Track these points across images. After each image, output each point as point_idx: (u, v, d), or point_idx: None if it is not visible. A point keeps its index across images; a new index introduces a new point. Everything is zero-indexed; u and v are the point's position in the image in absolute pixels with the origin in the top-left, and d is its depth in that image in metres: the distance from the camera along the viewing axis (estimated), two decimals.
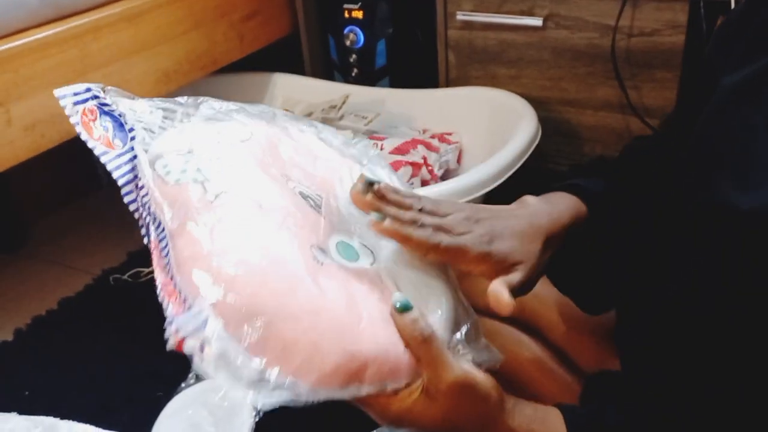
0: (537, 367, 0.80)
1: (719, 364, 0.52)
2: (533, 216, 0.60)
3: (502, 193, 1.22)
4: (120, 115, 0.56)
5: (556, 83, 1.40)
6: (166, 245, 0.51)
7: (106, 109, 0.56)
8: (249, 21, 1.51)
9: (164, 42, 1.29)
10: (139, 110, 0.57)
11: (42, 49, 1.09)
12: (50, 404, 1.10)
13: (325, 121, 1.50)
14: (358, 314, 0.49)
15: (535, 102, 1.37)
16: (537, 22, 1.34)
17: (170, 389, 1.08)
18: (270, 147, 0.57)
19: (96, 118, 0.55)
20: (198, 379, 1.17)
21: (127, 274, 1.39)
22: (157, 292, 0.51)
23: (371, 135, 1.44)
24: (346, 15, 1.53)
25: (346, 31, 1.54)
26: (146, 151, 0.55)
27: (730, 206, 0.48)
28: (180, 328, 0.48)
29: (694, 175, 0.57)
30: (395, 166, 1.29)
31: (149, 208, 0.53)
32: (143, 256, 1.44)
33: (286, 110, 1.56)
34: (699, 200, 0.54)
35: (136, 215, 0.54)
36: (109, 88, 0.57)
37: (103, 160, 0.54)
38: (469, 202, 1.15)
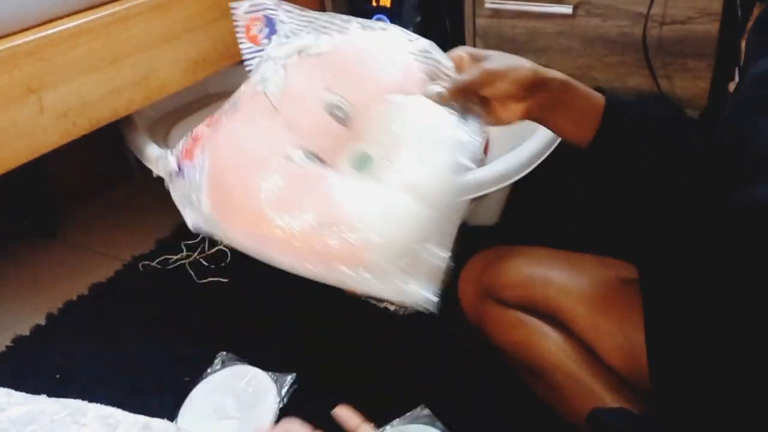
0: (560, 359, 0.80)
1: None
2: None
3: (530, 184, 1.21)
4: (276, 23, 0.72)
5: (586, 72, 1.38)
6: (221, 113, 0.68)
7: (270, 15, 0.72)
8: None
9: (192, 31, 1.30)
10: (293, 20, 0.72)
11: (74, 38, 1.11)
12: (80, 388, 1.12)
13: None
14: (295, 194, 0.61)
15: None
16: (567, 9, 1.33)
17: (197, 374, 1.10)
18: (339, 60, 0.67)
19: (257, 23, 0.72)
20: (224, 365, 1.19)
21: (156, 261, 1.41)
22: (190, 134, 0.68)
23: None
24: (374, 3, 1.52)
25: (373, 19, 1.54)
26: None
27: (752, 198, 0.47)
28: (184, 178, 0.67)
29: (714, 165, 0.56)
30: None
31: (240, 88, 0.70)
32: (172, 244, 1.46)
33: None
34: (715, 191, 0.53)
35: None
36: (287, 4, 0.73)
37: (242, 50, 0.73)
38: (495, 192, 1.14)
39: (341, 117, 0.64)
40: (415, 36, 0.72)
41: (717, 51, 1.24)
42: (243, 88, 0.68)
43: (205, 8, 1.32)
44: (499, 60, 0.67)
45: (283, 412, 1.02)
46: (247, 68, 0.72)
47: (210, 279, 1.35)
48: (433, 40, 1.61)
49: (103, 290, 1.37)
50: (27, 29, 1.07)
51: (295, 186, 0.60)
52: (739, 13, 1.18)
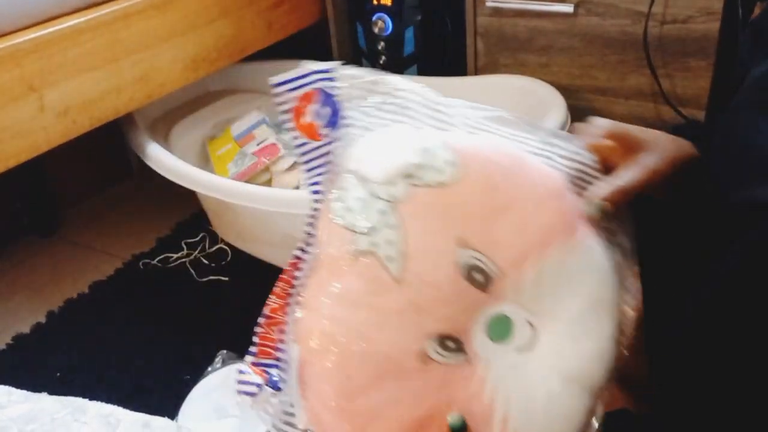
0: None
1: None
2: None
3: None
4: (339, 103, 0.52)
5: (586, 71, 1.38)
6: (303, 271, 0.50)
7: (329, 91, 0.51)
8: (277, 8, 1.51)
9: (192, 29, 1.30)
10: (361, 95, 0.52)
11: (74, 36, 1.11)
12: (80, 386, 1.12)
13: None
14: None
15: (565, 90, 1.35)
16: (568, 8, 1.32)
17: (197, 373, 1.10)
18: (473, 198, 0.49)
19: (312, 102, 0.51)
20: (225, 363, 1.19)
21: (156, 259, 1.41)
22: (265, 311, 0.52)
23: None
24: (375, 2, 1.52)
25: (374, 18, 1.54)
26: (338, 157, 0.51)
27: (752, 198, 0.47)
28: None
29: (714, 166, 0.56)
30: None
31: (315, 221, 0.50)
32: (172, 243, 1.46)
33: None
34: (716, 191, 0.53)
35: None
36: (347, 68, 0.52)
37: (298, 150, 0.51)
38: None
39: (481, 281, 0.48)
40: (543, 136, 0.54)
41: (718, 50, 1.24)
42: (316, 219, 0.50)
43: (205, 7, 1.33)
44: (657, 146, 0.54)
45: None
46: (307, 172, 0.52)
47: (210, 277, 1.35)
48: (433, 40, 1.61)
49: (104, 289, 1.37)
50: (27, 27, 1.07)
51: (436, 393, 0.47)
52: (740, 13, 1.18)
